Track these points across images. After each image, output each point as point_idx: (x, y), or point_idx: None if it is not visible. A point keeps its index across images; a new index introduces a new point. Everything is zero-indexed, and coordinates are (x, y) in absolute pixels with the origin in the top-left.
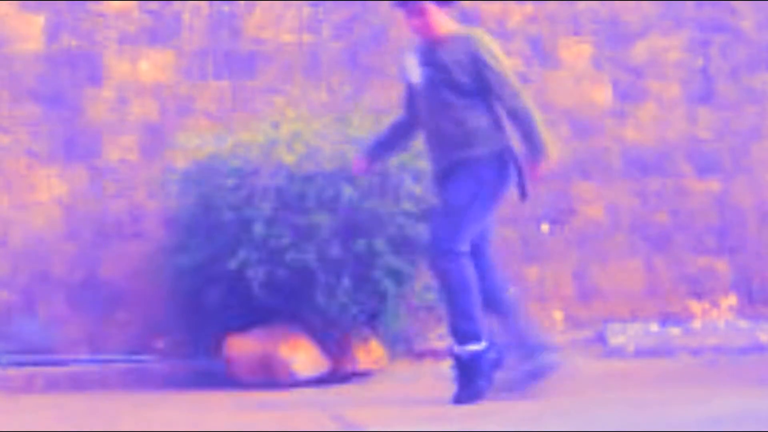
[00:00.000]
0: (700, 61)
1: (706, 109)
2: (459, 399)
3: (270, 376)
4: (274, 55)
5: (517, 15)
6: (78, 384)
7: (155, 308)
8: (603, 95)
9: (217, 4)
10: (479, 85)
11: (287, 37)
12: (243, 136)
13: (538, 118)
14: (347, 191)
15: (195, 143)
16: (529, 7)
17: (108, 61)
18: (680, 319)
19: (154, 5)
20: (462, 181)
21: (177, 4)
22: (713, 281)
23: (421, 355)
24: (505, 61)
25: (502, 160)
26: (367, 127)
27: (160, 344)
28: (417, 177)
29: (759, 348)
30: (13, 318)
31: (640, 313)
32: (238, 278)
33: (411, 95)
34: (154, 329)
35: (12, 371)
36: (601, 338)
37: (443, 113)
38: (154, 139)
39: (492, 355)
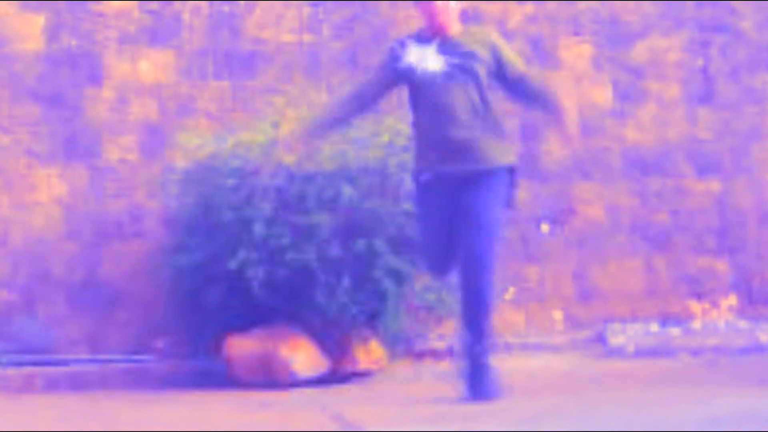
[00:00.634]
0: (700, 62)
1: (706, 110)
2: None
3: (270, 376)
4: (274, 55)
5: (517, 15)
6: (78, 384)
7: (155, 308)
8: (603, 95)
9: (217, 4)
10: (497, 75)
11: (287, 37)
12: (243, 136)
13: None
14: (347, 191)
15: (195, 143)
16: (529, 7)
17: (108, 61)
18: (680, 319)
19: (154, 5)
20: (494, 192)
21: (177, 4)
22: (713, 281)
23: (421, 355)
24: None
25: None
26: (367, 127)
27: (160, 344)
28: None
29: (759, 348)
30: (13, 318)
31: (640, 314)
32: (238, 278)
33: (394, 80)
34: (154, 329)
35: (12, 371)
36: (601, 338)
37: (463, 106)
38: (154, 139)
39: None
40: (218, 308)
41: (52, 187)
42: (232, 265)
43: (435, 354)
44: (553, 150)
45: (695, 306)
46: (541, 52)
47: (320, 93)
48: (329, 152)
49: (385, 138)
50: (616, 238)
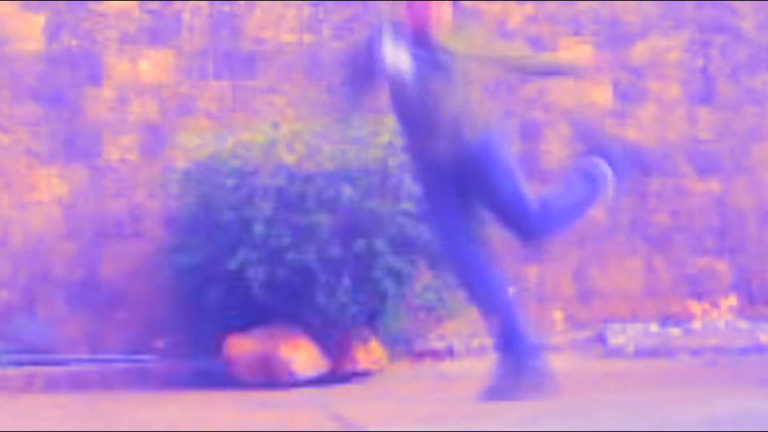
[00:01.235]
0: (700, 62)
1: (707, 110)
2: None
3: (270, 376)
4: (274, 55)
5: (517, 15)
6: (78, 384)
7: (155, 308)
8: (603, 95)
9: (218, 4)
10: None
11: (288, 37)
12: (243, 136)
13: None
14: (347, 191)
15: (195, 143)
16: (529, 8)
17: (108, 61)
18: (680, 319)
19: (154, 5)
20: (489, 172)
21: (177, 4)
22: (713, 282)
23: (421, 355)
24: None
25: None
26: (367, 127)
27: (160, 344)
28: None
29: (759, 349)
30: (13, 318)
31: (640, 314)
32: (238, 278)
33: (372, 73)
34: (154, 329)
35: (12, 371)
36: (601, 338)
37: (440, 99)
38: (155, 138)
39: None
40: (218, 308)
41: (52, 186)
42: (232, 265)
43: (435, 354)
44: (553, 150)
45: (695, 306)
46: (542, 52)
47: (320, 93)
48: (329, 152)
49: (385, 138)
50: (616, 238)
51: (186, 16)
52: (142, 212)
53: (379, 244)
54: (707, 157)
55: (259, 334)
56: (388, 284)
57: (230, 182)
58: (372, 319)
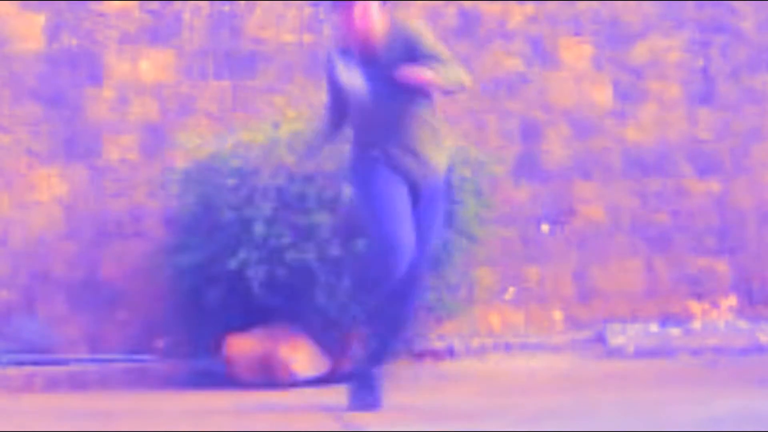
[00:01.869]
0: (700, 62)
1: (707, 110)
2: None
3: (270, 376)
4: (274, 55)
5: (517, 15)
6: (78, 384)
7: (155, 308)
8: (603, 95)
9: (218, 4)
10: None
11: (288, 37)
12: (243, 136)
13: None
14: (347, 191)
15: (195, 143)
16: (529, 8)
17: (108, 61)
18: (680, 319)
19: (154, 5)
20: (439, 207)
21: (177, 4)
22: (713, 282)
23: (421, 355)
24: (440, 46)
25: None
26: None
27: (160, 344)
28: None
29: (759, 349)
30: (13, 317)
31: (640, 314)
32: (238, 278)
33: (343, 101)
34: (154, 329)
35: (12, 371)
36: (601, 338)
37: (404, 122)
38: (155, 138)
39: None
40: (218, 308)
41: (52, 186)
42: (232, 265)
43: (435, 354)
44: (553, 150)
45: (695, 306)
46: (542, 52)
47: (320, 93)
48: (329, 152)
49: None
50: (616, 238)
51: (186, 16)
52: (142, 212)
53: None
54: (707, 157)
55: (259, 334)
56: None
57: (230, 182)
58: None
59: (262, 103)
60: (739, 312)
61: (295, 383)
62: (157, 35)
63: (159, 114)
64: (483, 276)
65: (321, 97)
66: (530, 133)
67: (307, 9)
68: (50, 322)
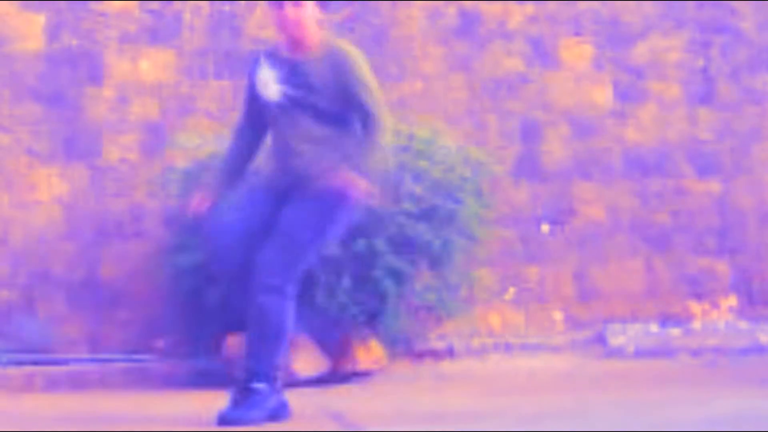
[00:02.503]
0: (700, 62)
1: (707, 110)
2: (225, 417)
3: None
4: None
5: (518, 15)
6: (78, 384)
7: (155, 308)
8: (604, 96)
9: (218, 4)
10: (345, 109)
11: None
12: None
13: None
14: None
15: (195, 143)
16: (529, 8)
17: (109, 61)
18: (680, 319)
19: (154, 5)
20: (308, 211)
21: (178, 4)
22: (713, 282)
23: (421, 355)
24: (374, 83)
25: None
26: None
27: (160, 344)
28: (417, 177)
29: (759, 349)
30: (13, 317)
31: (640, 314)
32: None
33: (259, 107)
34: (154, 329)
35: (12, 370)
36: (601, 339)
37: (301, 138)
38: (155, 138)
39: (272, 403)
40: (218, 308)
41: (52, 186)
42: None
43: (435, 354)
44: (553, 150)
45: (695, 306)
46: (542, 52)
47: None
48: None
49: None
50: (616, 238)
51: (186, 16)
52: (142, 212)
53: (379, 243)
54: (707, 158)
55: None
56: (388, 284)
57: None
58: (372, 319)
59: None
60: (739, 312)
61: (295, 383)
62: (157, 35)
63: (159, 114)
64: (483, 276)
65: None
66: (530, 133)
67: None
68: (50, 321)
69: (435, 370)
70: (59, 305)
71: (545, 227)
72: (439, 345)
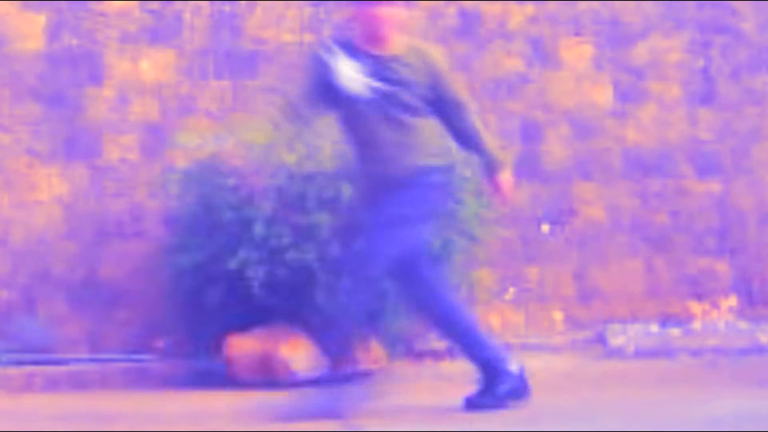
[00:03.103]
0: (700, 62)
1: (707, 110)
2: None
3: (270, 376)
4: (275, 55)
5: (518, 15)
6: (78, 383)
7: (155, 308)
8: (604, 96)
9: (218, 4)
10: (425, 102)
11: (288, 37)
12: (243, 136)
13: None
14: (347, 191)
15: (196, 143)
16: (530, 8)
17: (109, 61)
18: (680, 320)
19: (155, 5)
20: (411, 193)
21: (178, 4)
22: (713, 282)
23: (421, 355)
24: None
25: (450, 175)
26: None
27: (160, 344)
28: None
29: (759, 349)
30: (13, 317)
31: (640, 314)
32: (238, 278)
33: (335, 97)
34: (154, 329)
35: (12, 370)
36: (601, 339)
37: (393, 130)
38: (155, 138)
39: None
40: (218, 308)
41: (52, 186)
42: (232, 264)
43: (435, 354)
44: (554, 150)
45: (695, 307)
46: (542, 52)
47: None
48: (329, 152)
49: None
50: (616, 238)
51: (187, 16)
52: (142, 212)
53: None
54: (708, 158)
55: (259, 334)
56: (388, 284)
57: (230, 182)
58: (372, 319)
59: (262, 103)
60: (739, 312)
61: (295, 383)
62: (157, 35)
63: (159, 114)
64: (483, 276)
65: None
66: (530, 133)
67: (307, 9)
68: (50, 321)
69: (435, 370)
70: (59, 305)
71: (545, 227)
72: (439, 345)
